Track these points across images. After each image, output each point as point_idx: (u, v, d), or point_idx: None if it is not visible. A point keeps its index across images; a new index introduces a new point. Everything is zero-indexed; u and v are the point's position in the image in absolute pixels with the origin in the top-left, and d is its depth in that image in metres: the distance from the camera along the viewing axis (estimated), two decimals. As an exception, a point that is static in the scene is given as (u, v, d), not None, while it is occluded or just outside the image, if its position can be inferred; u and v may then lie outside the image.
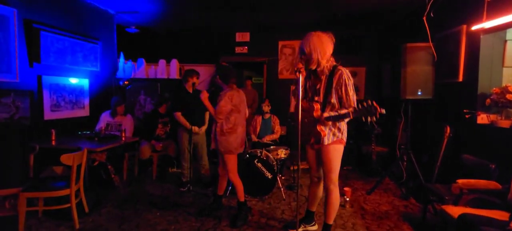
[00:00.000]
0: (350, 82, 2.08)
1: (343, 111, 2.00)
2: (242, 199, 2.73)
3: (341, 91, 2.07)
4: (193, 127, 3.37)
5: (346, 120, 2.12)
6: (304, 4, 4.00)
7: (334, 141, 2.17)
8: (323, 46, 2.05)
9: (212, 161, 3.93)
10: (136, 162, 3.97)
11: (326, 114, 2.06)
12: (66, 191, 2.50)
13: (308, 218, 2.55)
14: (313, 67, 2.10)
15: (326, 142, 2.15)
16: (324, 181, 2.30)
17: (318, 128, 2.11)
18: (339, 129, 2.17)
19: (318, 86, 2.17)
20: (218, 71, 2.73)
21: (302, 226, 2.52)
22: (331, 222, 2.32)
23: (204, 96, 2.72)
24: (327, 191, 2.27)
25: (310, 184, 2.48)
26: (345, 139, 2.23)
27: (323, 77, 2.14)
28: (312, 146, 2.28)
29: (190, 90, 3.52)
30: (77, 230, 2.52)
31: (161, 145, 3.93)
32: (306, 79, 2.26)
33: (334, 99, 2.11)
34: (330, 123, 2.12)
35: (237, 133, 2.65)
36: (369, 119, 1.82)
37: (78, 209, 2.59)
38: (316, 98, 2.17)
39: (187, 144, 3.45)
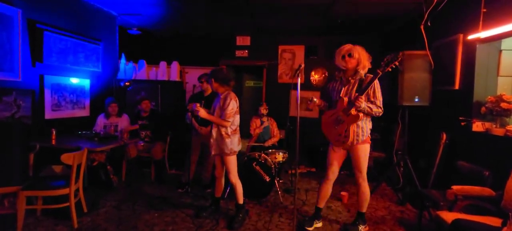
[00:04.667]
0: (379, 86, 2.37)
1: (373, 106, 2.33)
2: (241, 201, 2.75)
3: (370, 93, 2.34)
4: (200, 128, 3.47)
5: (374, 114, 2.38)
6: (304, 9, 4.05)
7: (363, 141, 2.42)
8: (367, 59, 2.40)
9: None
10: (125, 162, 3.85)
11: (360, 103, 2.26)
12: (65, 190, 2.52)
13: (318, 215, 2.73)
14: (351, 72, 2.40)
15: (355, 142, 2.39)
16: (356, 178, 2.54)
17: (353, 113, 2.32)
18: (363, 129, 2.40)
19: (346, 88, 2.43)
20: (216, 75, 2.65)
21: (315, 222, 2.71)
22: (364, 210, 2.62)
23: (204, 113, 2.64)
24: (359, 186, 2.54)
25: (324, 182, 2.64)
26: (369, 138, 2.49)
27: (352, 81, 2.41)
28: (340, 146, 2.49)
29: (205, 93, 3.55)
30: (75, 230, 2.53)
31: (142, 144, 3.91)
32: (330, 83, 2.61)
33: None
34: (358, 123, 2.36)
35: (238, 133, 2.72)
36: (394, 66, 2.22)
37: (76, 208, 2.61)
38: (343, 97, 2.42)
39: (196, 144, 3.55)
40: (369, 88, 2.29)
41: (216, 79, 2.63)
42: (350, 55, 2.36)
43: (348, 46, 2.40)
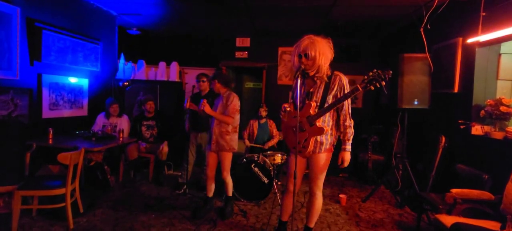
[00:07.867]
0: (348, 86, 2.04)
1: (351, 89, 1.95)
2: (230, 193, 2.92)
3: (339, 94, 2.01)
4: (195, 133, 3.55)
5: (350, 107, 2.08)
6: (304, 11, 4.05)
7: (326, 150, 2.11)
8: (328, 52, 2.00)
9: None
10: (123, 163, 3.85)
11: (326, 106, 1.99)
12: (62, 190, 2.49)
13: (282, 229, 2.41)
14: (313, 73, 2.01)
15: (317, 151, 2.08)
16: (311, 188, 2.19)
17: (318, 125, 2.02)
18: (327, 139, 2.09)
19: (311, 90, 2.07)
20: (219, 77, 2.80)
21: None
22: (313, 225, 2.29)
23: (209, 109, 2.68)
24: (313, 195, 2.18)
25: (285, 195, 2.29)
26: (332, 147, 2.17)
27: (319, 82, 2.05)
28: (301, 153, 2.12)
29: (202, 93, 3.49)
30: (71, 230, 2.51)
31: (145, 145, 3.90)
32: (294, 80, 2.13)
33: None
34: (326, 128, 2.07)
35: (237, 132, 2.85)
36: (378, 84, 1.87)
37: (72, 209, 2.58)
38: (310, 101, 2.09)
39: (193, 145, 3.59)
40: (339, 89, 2.00)
41: (219, 80, 2.80)
42: (306, 56, 1.95)
43: (306, 42, 1.98)
